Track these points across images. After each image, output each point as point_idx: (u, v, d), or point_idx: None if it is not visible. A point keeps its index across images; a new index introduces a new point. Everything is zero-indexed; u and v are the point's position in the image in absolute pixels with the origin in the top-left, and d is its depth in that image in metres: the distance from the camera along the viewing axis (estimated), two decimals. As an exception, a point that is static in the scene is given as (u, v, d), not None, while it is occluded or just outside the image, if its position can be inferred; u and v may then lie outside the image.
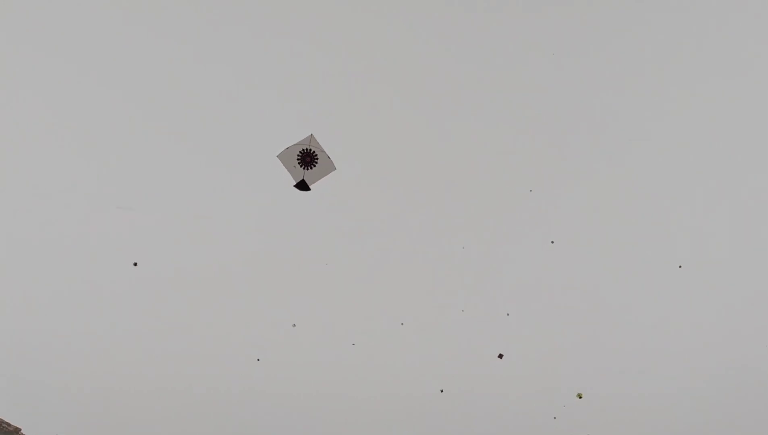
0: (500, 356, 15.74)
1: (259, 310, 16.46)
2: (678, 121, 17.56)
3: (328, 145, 12.11)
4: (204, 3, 16.73)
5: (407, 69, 18.03)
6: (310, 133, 11.15)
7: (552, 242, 16.45)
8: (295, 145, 11.14)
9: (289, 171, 11.21)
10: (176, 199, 16.73)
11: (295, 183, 11.21)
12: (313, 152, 11.19)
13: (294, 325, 16.09)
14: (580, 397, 15.21)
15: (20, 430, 11.53)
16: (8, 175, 16.18)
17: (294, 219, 16.75)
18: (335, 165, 11.43)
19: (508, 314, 16.94)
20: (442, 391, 15.90)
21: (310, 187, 11.36)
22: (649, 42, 17.59)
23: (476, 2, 18.17)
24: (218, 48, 16.89)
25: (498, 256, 17.74)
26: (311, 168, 11.21)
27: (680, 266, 16.76)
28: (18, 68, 16.01)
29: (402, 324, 16.40)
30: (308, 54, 17.30)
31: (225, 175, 16.49)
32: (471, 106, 18.18)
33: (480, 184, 18.02)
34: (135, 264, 14.87)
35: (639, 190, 17.56)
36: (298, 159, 11.21)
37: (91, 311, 15.29)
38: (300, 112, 16.92)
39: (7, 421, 11.30)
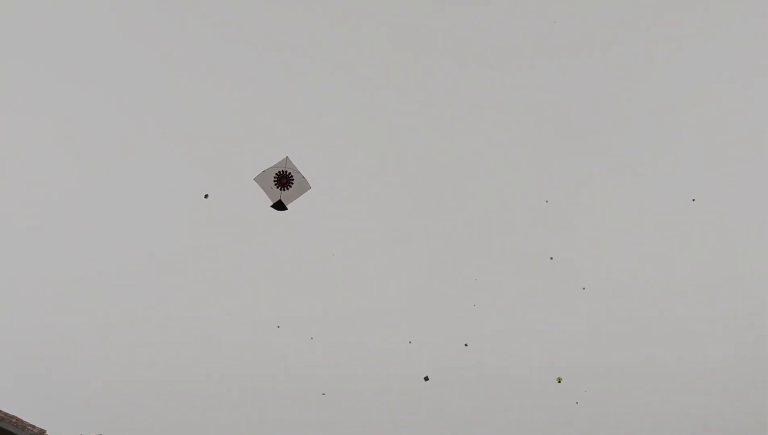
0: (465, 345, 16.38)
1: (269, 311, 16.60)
2: (689, 126, 17.71)
3: (332, 150, 12.31)
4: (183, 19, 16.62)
5: (409, 72, 18.05)
6: (285, 156, 11.48)
7: (551, 258, 16.73)
8: (271, 167, 11.51)
9: (266, 192, 11.58)
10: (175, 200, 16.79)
11: (272, 203, 11.61)
12: (289, 174, 11.56)
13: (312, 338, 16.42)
14: (560, 381, 15.87)
15: (45, 432, 11.74)
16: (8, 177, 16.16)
17: (294, 224, 16.88)
18: (311, 184, 11.79)
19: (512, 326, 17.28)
20: (426, 378, 16.77)
21: (287, 206, 11.73)
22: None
23: (483, 6, 18.14)
24: (199, 67, 16.81)
25: (501, 261, 17.97)
26: (287, 189, 11.56)
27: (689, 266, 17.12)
28: (18, 68, 15.92)
29: (410, 343, 16.72)
30: (306, 59, 17.26)
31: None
32: (472, 109, 18.28)
33: (486, 190, 18.17)
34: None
35: (645, 192, 17.80)
36: (274, 181, 11.57)
37: (112, 318, 15.45)
38: (299, 114, 16.97)
39: (32, 423, 11.51)
